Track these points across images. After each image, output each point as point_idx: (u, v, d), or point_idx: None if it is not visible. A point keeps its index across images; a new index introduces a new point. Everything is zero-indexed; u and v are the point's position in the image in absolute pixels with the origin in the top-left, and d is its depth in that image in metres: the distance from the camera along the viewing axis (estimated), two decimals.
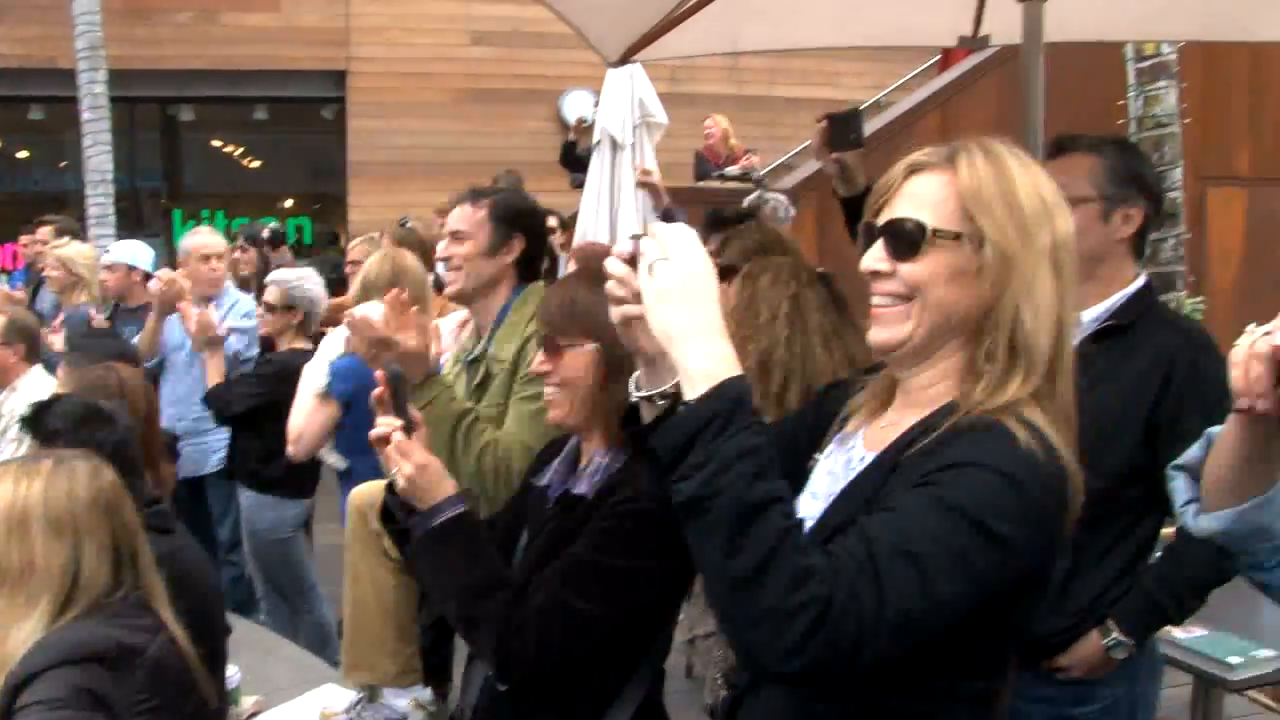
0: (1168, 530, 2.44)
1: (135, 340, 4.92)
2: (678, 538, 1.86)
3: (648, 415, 1.54)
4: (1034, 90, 3.16)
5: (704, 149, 9.11)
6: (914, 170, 1.49)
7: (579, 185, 7.79)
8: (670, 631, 2.14)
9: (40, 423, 2.47)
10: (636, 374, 1.54)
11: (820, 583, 1.22)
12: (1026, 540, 1.33)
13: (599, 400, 1.99)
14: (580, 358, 1.99)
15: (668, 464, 1.29)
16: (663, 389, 1.49)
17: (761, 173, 9.26)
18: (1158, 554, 2.43)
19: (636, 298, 1.38)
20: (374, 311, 2.59)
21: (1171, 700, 3.71)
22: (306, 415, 3.88)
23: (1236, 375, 1.24)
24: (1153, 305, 2.43)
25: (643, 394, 1.51)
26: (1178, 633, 3.06)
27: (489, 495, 2.66)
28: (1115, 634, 2.33)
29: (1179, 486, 1.53)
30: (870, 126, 9.70)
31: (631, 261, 1.40)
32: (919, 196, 1.46)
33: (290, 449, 3.93)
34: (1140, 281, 2.42)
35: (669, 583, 1.94)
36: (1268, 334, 1.20)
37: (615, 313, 1.45)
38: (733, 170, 8.77)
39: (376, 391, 2.00)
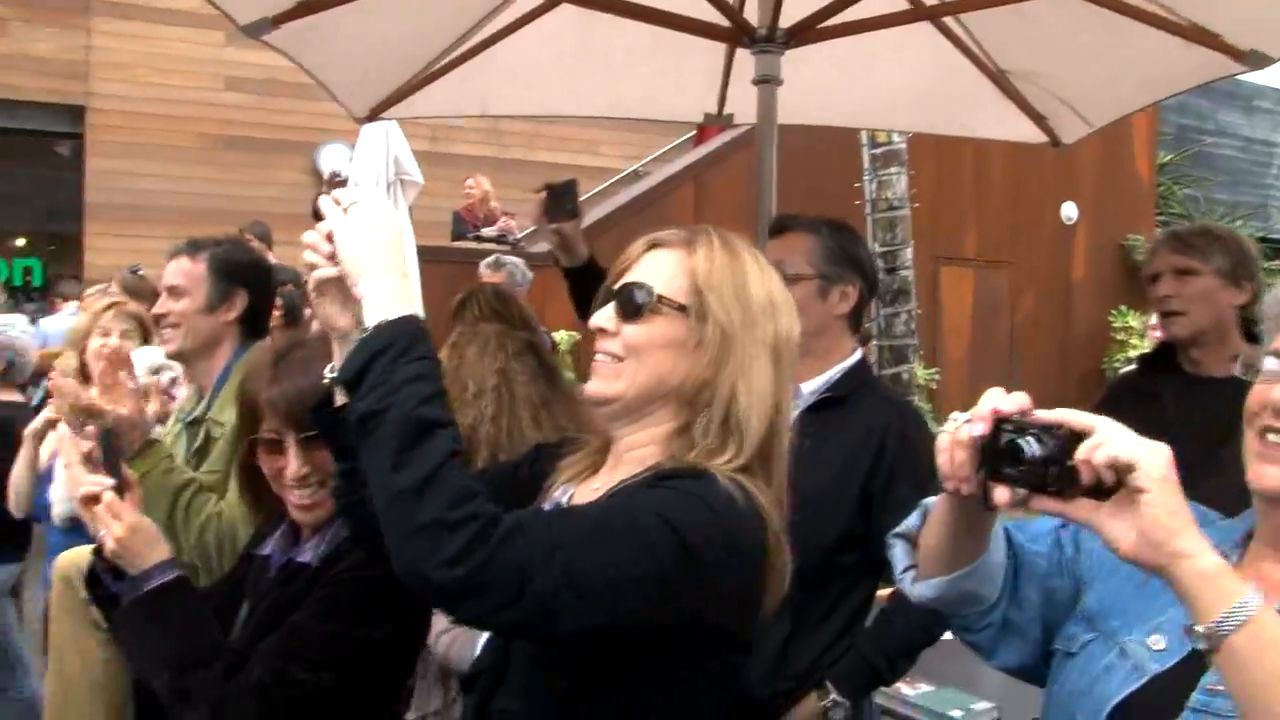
0: (882, 593, 2.55)
1: None
2: (404, 604, 1.80)
3: (340, 399, 1.51)
4: (767, 168, 3.30)
5: (462, 209, 9.09)
6: (654, 246, 1.58)
7: None
8: (399, 706, 2.06)
9: None
10: (333, 363, 1.51)
11: (486, 503, 1.25)
12: (719, 567, 1.36)
13: None
14: None
15: (348, 388, 1.32)
16: None
17: (518, 235, 9.30)
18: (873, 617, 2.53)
19: (330, 259, 1.42)
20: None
21: None
22: None
23: (942, 460, 1.29)
24: (867, 379, 2.55)
25: (334, 376, 1.48)
26: (907, 690, 3.21)
27: (213, 571, 2.51)
28: (833, 695, 2.39)
29: (898, 554, 1.60)
30: (627, 195, 9.99)
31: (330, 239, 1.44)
32: (654, 269, 1.54)
33: None
34: (856, 356, 2.54)
35: (395, 651, 1.87)
36: (969, 422, 1.26)
37: (311, 279, 1.46)
38: (490, 231, 8.79)
39: (86, 449, 1.92)
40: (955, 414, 1.30)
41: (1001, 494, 1.23)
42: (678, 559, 1.33)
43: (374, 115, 4.12)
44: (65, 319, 7.83)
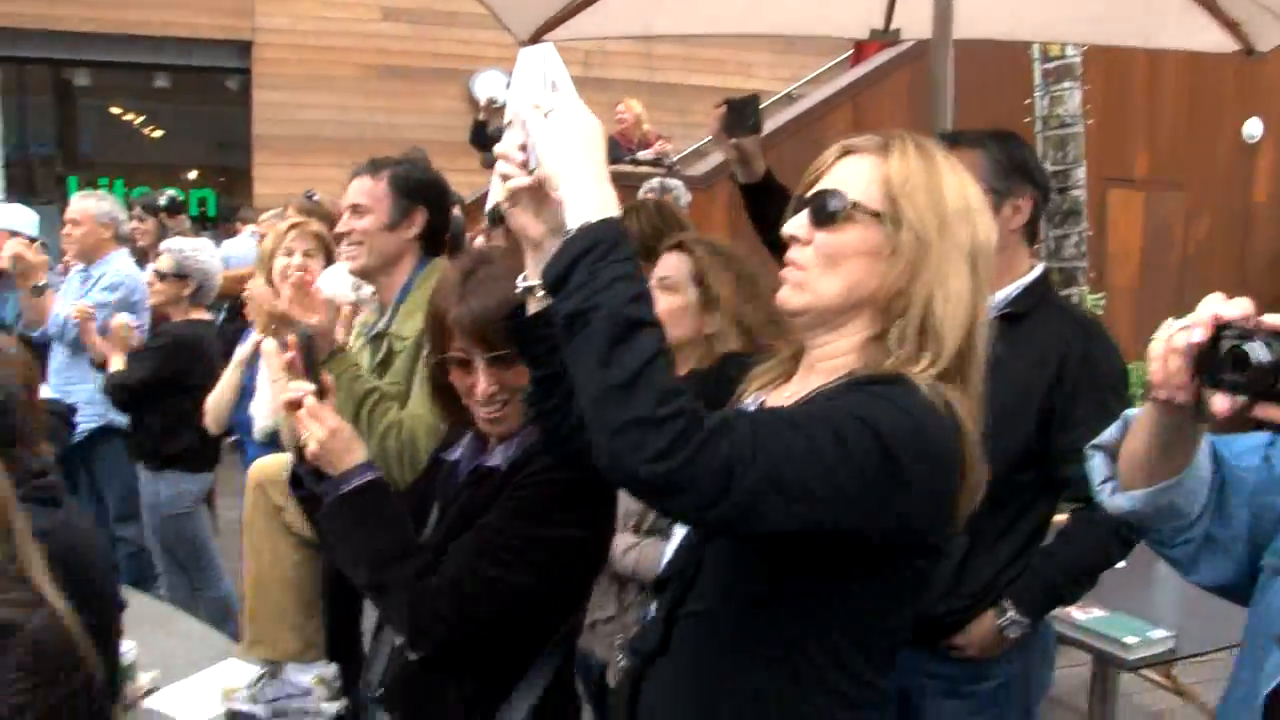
0: (1059, 517, 2.51)
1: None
2: (592, 508, 1.85)
3: (533, 308, 1.56)
4: (942, 84, 3.20)
5: (616, 133, 9.10)
6: (847, 152, 1.54)
7: (490, 165, 7.70)
8: (583, 608, 2.11)
9: None
10: (525, 272, 1.56)
11: (691, 401, 1.26)
12: (918, 471, 1.35)
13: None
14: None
15: (552, 289, 1.33)
16: None
17: (674, 159, 9.28)
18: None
19: (523, 168, 1.46)
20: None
21: (1071, 678, 3.84)
22: None
23: (1155, 369, 1.26)
24: (1047, 295, 2.48)
25: (529, 284, 1.53)
26: (1078, 614, 3.16)
27: (393, 478, 2.57)
28: (1010, 614, 2.38)
29: (1096, 465, 1.57)
30: (782, 118, 9.82)
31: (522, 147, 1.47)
32: (847, 175, 1.51)
33: None
34: (1037, 271, 2.47)
35: (582, 554, 1.91)
36: (1185, 329, 1.22)
37: (504, 189, 1.49)
38: (645, 155, 8.79)
39: (287, 356, 1.99)
40: (1169, 320, 1.26)
41: (1221, 402, 1.19)
42: (879, 462, 1.32)
43: (536, 38, 4.13)
44: (245, 241, 8.19)
